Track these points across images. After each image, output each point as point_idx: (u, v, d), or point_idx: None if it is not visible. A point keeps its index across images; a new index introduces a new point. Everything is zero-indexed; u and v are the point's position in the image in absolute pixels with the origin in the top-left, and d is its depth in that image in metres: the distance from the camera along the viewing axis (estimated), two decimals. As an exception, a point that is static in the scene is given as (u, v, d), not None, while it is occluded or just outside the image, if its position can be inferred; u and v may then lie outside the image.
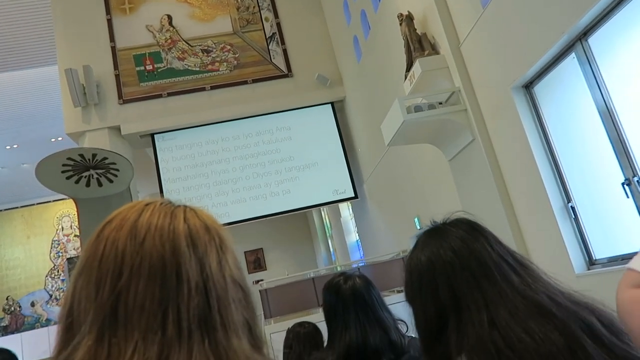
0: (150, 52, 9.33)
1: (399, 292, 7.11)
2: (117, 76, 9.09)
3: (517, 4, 3.66)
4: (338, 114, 9.46)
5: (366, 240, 10.23)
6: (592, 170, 3.50)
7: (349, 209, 11.54)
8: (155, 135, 9.05)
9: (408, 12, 5.03)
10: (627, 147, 3.05)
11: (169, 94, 9.13)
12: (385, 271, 7.17)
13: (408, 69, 4.98)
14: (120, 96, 8.99)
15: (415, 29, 4.95)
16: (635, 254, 0.85)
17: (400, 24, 5.03)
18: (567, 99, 3.61)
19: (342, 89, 9.40)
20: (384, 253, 8.17)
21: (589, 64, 3.24)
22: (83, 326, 0.57)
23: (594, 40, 3.21)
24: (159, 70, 9.26)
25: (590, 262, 3.56)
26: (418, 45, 4.85)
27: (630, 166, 3.03)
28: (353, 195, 9.02)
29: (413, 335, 1.81)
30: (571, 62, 3.40)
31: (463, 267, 0.95)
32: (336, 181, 9.02)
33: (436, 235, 1.04)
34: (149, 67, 9.24)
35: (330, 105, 9.44)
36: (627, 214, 3.11)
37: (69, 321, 0.59)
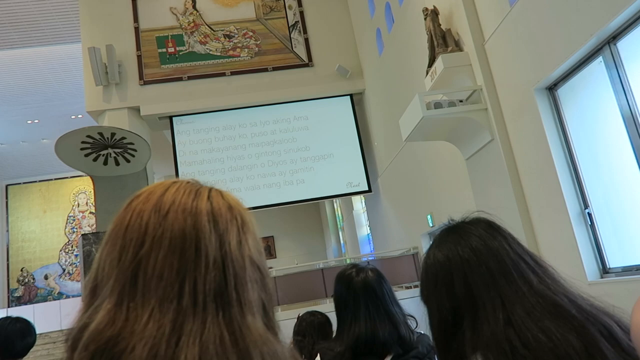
0: (172, 35, 9.37)
1: (407, 288, 7.11)
2: (139, 57, 9.15)
3: (546, 3, 3.60)
4: (356, 107, 9.43)
5: (377, 234, 10.22)
6: (612, 178, 3.45)
7: (361, 202, 11.54)
8: (173, 118, 9.11)
9: (434, 6, 4.98)
10: (650, 156, 3.00)
11: (189, 78, 9.17)
12: (394, 266, 7.19)
13: (430, 64, 4.94)
14: (141, 77, 9.05)
15: (440, 25, 4.90)
16: None
17: (425, 19, 4.98)
18: (591, 103, 3.56)
19: (361, 81, 9.36)
20: (394, 248, 8.17)
21: (616, 68, 3.18)
22: (104, 290, 0.60)
23: (622, 45, 3.15)
24: (180, 53, 9.31)
25: (604, 271, 3.52)
26: (442, 41, 4.80)
27: (652, 175, 2.98)
28: (367, 188, 9.02)
29: (422, 332, 1.81)
30: (598, 65, 3.34)
31: (480, 265, 0.95)
32: (351, 174, 9.01)
33: (454, 233, 1.03)
34: (171, 50, 9.29)
35: (349, 97, 9.41)
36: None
37: (94, 285, 0.62)
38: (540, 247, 4.01)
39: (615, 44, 3.18)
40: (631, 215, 3.26)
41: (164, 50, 9.28)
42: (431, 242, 1.09)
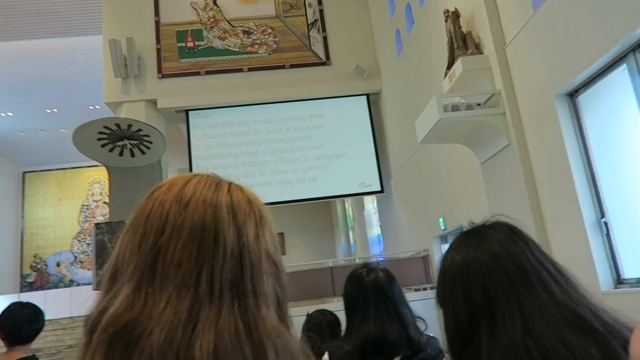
0: (192, 30, 9.42)
1: (416, 290, 7.08)
2: (158, 50, 9.22)
3: (570, 8, 3.55)
4: (372, 107, 9.41)
5: (388, 235, 10.19)
6: (631, 187, 3.39)
7: (373, 202, 11.51)
8: (189, 112, 9.17)
9: (455, 8, 4.94)
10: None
11: (207, 72, 9.22)
12: (404, 268, 7.15)
13: (449, 66, 4.90)
14: (159, 70, 9.12)
15: (461, 27, 4.86)
16: None
17: (446, 20, 4.95)
18: (612, 111, 3.50)
19: (378, 81, 9.32)
20: (404, 250, 8.14)
21: None
22: (124, 276, 0.62)
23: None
24: (199, 48, 9.36)
25: (619, 281, 3.46)
26: (462, 43, 4.76)
27: (672, 186, 2.93)
28: (379, 189, 8.99)
29: (431, 335, 1.80)
30: (621, 73, 3.28)
31: (500, 270, 0.92)
32: (363, 174, 8.99)
33: (474, 236, 1.00)
34: (190, 44, 9.34)
35: (365, 97, 9.39)
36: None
37: (114, 271, 0.64)
38: (553, 255, 3.95)
39: (640, 51, 3.12)
40: (649, 226, 3.20)
41: (183, 44, 9.34)
42: (450, 244, 1.07)
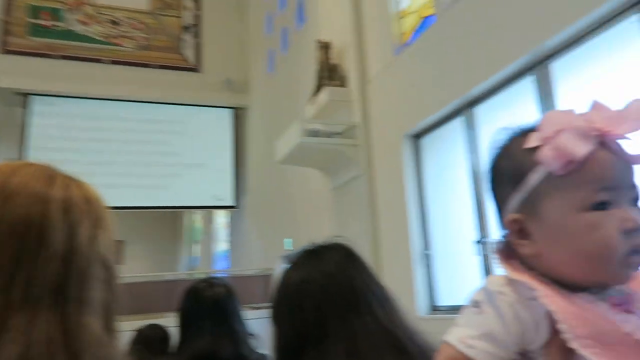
0: (51, 7, 8.52)
1: (256, 308, 7.09)
2: (5, 22, 8.16)
3: (422, 62, 3.99)
4: (237, 121, 9.35)
5: (236, 251, 10.11)
6: (452, 225, 3.86)
7: (224, 216, 11.36)
8: (33, 96, 8.20)
9: (328, 40, 5.20)
10: (485, 211, 3.40)
11: (62, 57, 8.38)
12: (245, 286, 7.12)
13: (315, 93, 5.12)
14: (3, 45, 8.06)
15: (330, 58, 5.13)
16: None
17: (318, 50, 5.18)
18: (446, 156, 3.98)
19: (247, 97, 9.33)
20: (250, 267, 8.13)
21: (472, 129, 3.59)
22: None
23: (478, 110, 3.58)
24: (56, 28, 8.48)
25: (433, 308, 3.89)
26: (329, 74, 5.02)
27: (484, 228, 3.39)
28: (232, 204, 8.91)
29: (264, 353, 1.82)
30: (459, 124, 3.75)
31: (334, 293, 0.95)
32: (218, 187, 8.83)
33: (313, 256, 1.03)
34: (45, 23, 8.43)
35: (231, 110, 9.30)
36: (473, 270, 3.45)
37: None
38: (384, 280, 4.28)
39: (474, 108, 3.60)
40: (461, 261, 3.65)
41: (37, 21, 8.39)
42: (289, 262, 1.08)
